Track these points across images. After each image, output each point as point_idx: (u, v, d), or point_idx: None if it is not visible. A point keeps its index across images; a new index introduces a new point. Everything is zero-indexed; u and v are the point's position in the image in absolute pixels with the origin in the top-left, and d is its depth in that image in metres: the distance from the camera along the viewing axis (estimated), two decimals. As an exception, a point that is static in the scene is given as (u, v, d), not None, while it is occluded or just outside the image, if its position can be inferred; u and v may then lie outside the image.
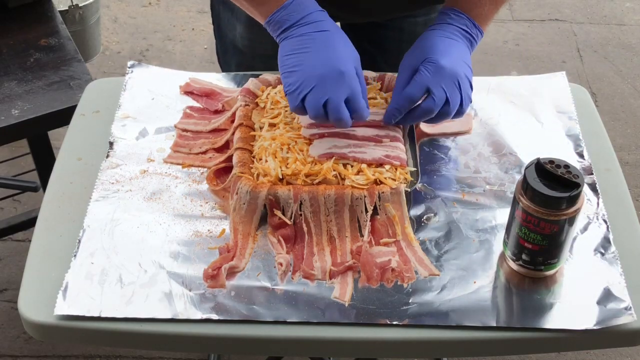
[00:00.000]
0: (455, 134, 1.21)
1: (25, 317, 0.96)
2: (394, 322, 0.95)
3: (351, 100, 1.04)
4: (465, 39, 1.13)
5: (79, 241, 1.04)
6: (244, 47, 1.41)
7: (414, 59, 1.10)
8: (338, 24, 1.46)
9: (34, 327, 0.97)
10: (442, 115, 1.09)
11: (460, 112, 1.11)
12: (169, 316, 0.95)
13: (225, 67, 1.50)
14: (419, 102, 1.08)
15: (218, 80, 1.31)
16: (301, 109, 1.05)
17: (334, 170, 1.07)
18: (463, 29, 1.13)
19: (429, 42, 1.11)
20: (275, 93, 1.20)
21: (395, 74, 1.23)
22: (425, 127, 1.21)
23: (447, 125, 1.21)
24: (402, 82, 1.10)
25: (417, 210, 1.10)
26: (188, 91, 1.29)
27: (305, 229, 1.05)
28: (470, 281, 1.00)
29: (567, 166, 0.95)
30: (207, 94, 1.27)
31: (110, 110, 1.25)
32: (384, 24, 1.39)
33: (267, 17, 1.10)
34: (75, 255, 1.02)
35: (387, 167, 1.08)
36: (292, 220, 1.05)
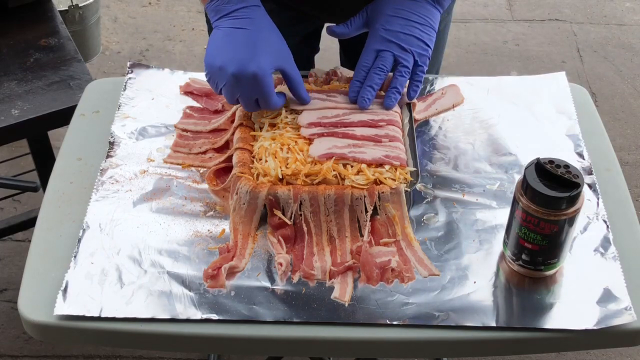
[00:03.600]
0: (452, 107, 1.22)
1: (25, 317, 0.96)
2: (394, 322, 0.95)
3: (260, 101, 1.10)
4: None
5: (79, 241, 1.04)
6: None
7: (372, 12, 1.17)
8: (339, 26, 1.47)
9: (34, 327, 0.97)
10: (402, 74, 1.14)
11: (422, 70, 1.16)
12: (169, 316, 0.95)
13: None
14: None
15: (218, 80, 1.31)
16: (219, 93, 1.12)
17: (334, 170, 1.07)
18: None
19: (377, 5, 1.17)
20: (275, 93, 1.20)
21: (390, 74, 1.23)
22: (418, 114, 1.23)
23: (440, 103, 1.21)
24: (352, 27, 1.20)
25: (417, 210, 1.10)
26: (188, 91, 1.29)
27: (305, 229, 1.05)
28: (470, 281, 1.00)
29: (567, 166, 0.95)
30: (207, 94, 1.28)
31: (110, 110, 1.25)
32: None
33: (205, 3, 1.14)
34: (75, 255, 1.02)
35: (387, 167, 1.08)
36: (292, 220, 1.05)
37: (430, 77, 1.32)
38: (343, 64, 1.53)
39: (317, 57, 1.52)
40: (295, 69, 1.12)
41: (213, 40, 1.11)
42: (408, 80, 1.16)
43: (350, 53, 1.49)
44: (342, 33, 1.20)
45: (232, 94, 1.09)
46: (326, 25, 1.23)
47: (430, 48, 1.16)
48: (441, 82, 1.31)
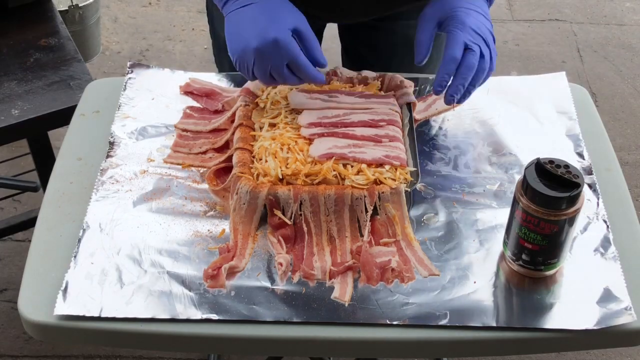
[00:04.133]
0: (452, 107, 1.21)
1: (25, 317, 0.96)
2: (394, 322, 0.95)
3: (291, 65, 1.06)
4: None
5: (79, 241, 1.04)
6: None
7: (437, 12, 1.11)
8: (336, 25, 1.47)
9: (34, 327, 0.97)
10: (480, 71, 1.09)
11: (491, 68, 1.11)
12: (169, 316, 0.95)
13: (220, 66, 1.50)
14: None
15: (218, 80, 1.31)
16: (256, 79, 1.10)
17: (334, 170, 1.07)
18: None
19: (450, 4, 1.11)
20: (276, 93, 1.20)
21: (395, 75, 1.23)
22: (418, 114, 1.23)
23: (440, 103, 1.21)
24: (427, 34, 1.11)
25: (417, 210, 1.10)
26: (188, 91, 1.29)
27: (305, 229, 1.05)
28: (470, 281, 1.00)
29: (567, 166, 0.95)
30: (207, 94, 1.28)
31: (110, 110, 1.25)
32: (376, 27, 1.39)
33: None
34: (75, 255, 1.02)
35: (387, 167, 1.08)
36: (292, 220, 1.05)
37: (421, 76, 1.32)
38: (344, 64, 1.53)
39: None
40: (311, 30, 1.09)
41: (227, 29, 1.10)
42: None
43: (351, 53, 1.49)
44: (425, 55, 1.13)
45: (264, 71, 1.07)
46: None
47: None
48: (441, 82, 1.31)
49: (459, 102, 1.12)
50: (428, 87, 1.30)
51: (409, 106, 1.20)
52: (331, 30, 1.51)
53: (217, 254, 1.03)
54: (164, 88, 1.30)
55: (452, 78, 1.09)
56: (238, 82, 1.31)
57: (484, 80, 1.11)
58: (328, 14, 1.33)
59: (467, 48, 1.07)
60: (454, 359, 1.71)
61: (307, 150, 1.09)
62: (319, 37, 1.48)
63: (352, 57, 1.49)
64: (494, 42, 1.11)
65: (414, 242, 1.05)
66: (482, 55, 1.08)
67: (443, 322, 0.95)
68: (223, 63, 1.47)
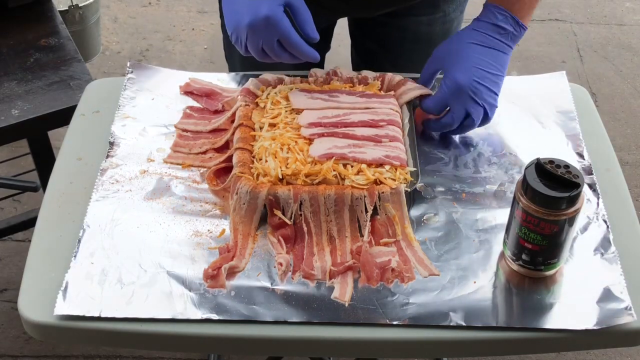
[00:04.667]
0: (419, 98, 1.21)
1: (25, 317, 0.96)
2: (394, 322, 0.95)
3: (283, 42, 1.07)
4: (503, 40, 1.16)
5: (79, 241, 1.04)
6: None
7: (439, 60, 1.17)
8: (345, 19, 1.47)
9: (34, 327, 0.97)
10: (466, 128, 1.16)
11: (485, 121, 1.16)
12: (169, 316, 0.95)
13: (229, 60, 1.51)
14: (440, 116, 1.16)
15: (218, 80, 1.31)
16: (250, 55, 1.10)
17: (334, 170, 1.07)
18: (502, 28, 1.16)
19: (457, 46, 1.15)
20: (275, 93, 1.20)
21: (395, 75, 1.23)
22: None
23: (406, 91, 1.21)
24: (425, 76, 1.20)
25: (417, 210, 1.10)
26: (188, 91, 1.29)
27: (305, 229, 1.05)
28: (470, 281, 1.00)
29: (567, 166, 0.95)
30: (207, 94, 1.28)
31: (110, 110, 1.25)
32: (387, 23, 1.39)
33: None
34: (75, 255, 1.02)
35: (387, 167, 1.08)
36: (292, 220, 1.05)
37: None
38: (353, 61, 1.53)
39: (329, 58, 1.52)
40: (304, 4, 1.10)
41: (224, 4, 1.11)
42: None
43: (361, 49, 1.49)
44: (434, 105, 1.18)
45: (257, 46, 1.08)
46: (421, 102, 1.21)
47: (498, 95, 1.16)
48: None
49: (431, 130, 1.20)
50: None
51: (409, 106, 1.20)
52: (337, 29, 1.50)
53: (217, 254, 1.03)
54: (164, 88, 1.30)
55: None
56: (238, 82, 1.31)
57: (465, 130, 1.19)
58: (345, 4, 1.33)
59: (449, 109, 1.15)
60: (454, 359, 1.71)
61: (307, 150, 1.09)
62: (330, 34, 1.48)
63: (362, 54, 1.49)
64: (496, 95, 1.15)
65: (414, 242, 1.05)
66: (470, 117, 1.15)
67: (443, 322, 0.95)
68: (233, 57, 1.48)
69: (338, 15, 1.41)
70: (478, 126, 1.17)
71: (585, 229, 1.07)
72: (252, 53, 1.10)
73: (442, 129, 1.18)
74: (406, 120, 1.17)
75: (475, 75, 1.12)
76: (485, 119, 1.16)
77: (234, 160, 1.11)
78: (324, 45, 1.49)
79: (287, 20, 1.06)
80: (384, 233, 1.06)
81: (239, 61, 1.46)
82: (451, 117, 1.15)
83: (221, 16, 1.48)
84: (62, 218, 1.08)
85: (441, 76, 1.18)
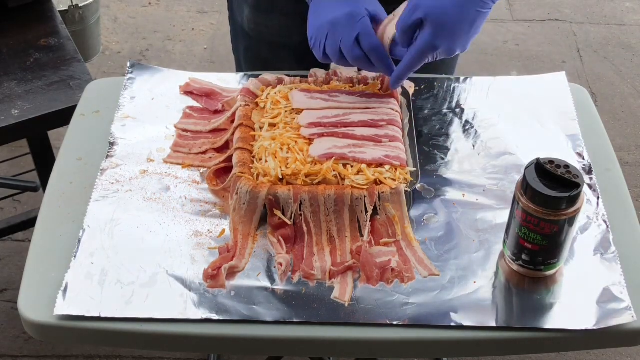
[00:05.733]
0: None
1: (25, 317, 0.96)
2: (394, 322, 0.95)
3: (361, 38, 1.07)
4: None
5: (79, 241, 1.04)
6: (250, 31, 1.42)
7: (420, 9, 1.05)
8: None
9: (34, 327, 0.97)
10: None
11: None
12: (168, 316, 0.95)
13: (235, 52, 1.51)
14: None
15: (218, 80, 1.31)
16: (327, 58, 1.12)
17: (334, 170, 1.07)
18: None
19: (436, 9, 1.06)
20: (275, 93, 1.20)
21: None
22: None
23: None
24: (406, 23, 1.06)
25: (417, 210, 1.10)
26: (188, 91, 1.29)
27: (305, 229, 1.05)
28: (470, 281, 1.00)
29: (567, 166, 0.95)
30: (207, 94, 1.28)
31: (110, 110, 1.25)
32: None
33: None
34: (75, 255, 1.02)
35: (387, 167, 1.08)
36: (292, 220, 1.05)
37: (421, 77, 1.32)
38: None
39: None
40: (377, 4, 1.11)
41: (310, 15, 1.12)
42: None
43: None
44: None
45: (335, 43, 1.08)
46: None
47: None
48: (440, 83, 1.31)
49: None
50: (437, 89, 1.30)
51: (409, 106, 1.20)
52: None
53: (217, 254, 1.03)
54: (164, 88, 1.30)
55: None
56: (238, 82, 1.31)
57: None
58: None
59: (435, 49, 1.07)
60: (454, 359, 1.71)
61: (307, 150, 1.09)
62: None
63: None
64: (463, 50, 1.11)
65: (414, 242, 1.05)
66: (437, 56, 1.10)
67: (443, 322, 0.95)
68: (239, 48, 1.48)
69: None
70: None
71: (585, 229, 1.07)
72: (329, 54, 1.10)
73: (402, 74, 1.11)
74: (406, 120, 1.17)
75: (455, 40, 1.07)
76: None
77: (234, 160, 1.11)
78: None
79: (369, 22, 1.07)
80: (384, 233, 1.06)
81: (243, 54, 1.46)
82: (435, 55, 1.08)
83: (230, 8, 1.48)
84: (62, 218, 1.08)
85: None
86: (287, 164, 1.07)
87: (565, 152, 1.18)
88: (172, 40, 2.88)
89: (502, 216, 1.06)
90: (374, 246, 1.04)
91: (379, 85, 1.22)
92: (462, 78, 1.33)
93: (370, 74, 1.24)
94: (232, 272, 1.01)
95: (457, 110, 1.26)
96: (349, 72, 1.25)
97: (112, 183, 1.12)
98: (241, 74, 1.33)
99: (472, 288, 0.99)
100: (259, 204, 1.05)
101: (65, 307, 0.96)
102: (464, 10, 1.04)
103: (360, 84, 1.23)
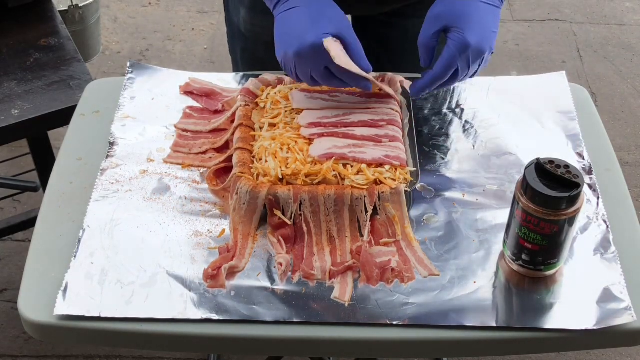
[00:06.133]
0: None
1: (25, 317, 0.96)
2: (394, 322, 0.95)
3: (330, 67, 1.07)
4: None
5: (79, 241, 1.04)
6: (246, 32, 1.42)
7: (442, 18, 1.09)
8: (349, 17, 1.47)
9: (34, 327, 0.97)
10: (450, 81, 1.11)
11: (475, 72, 1.13)
12: (169, 316, 0.95)
13: (232, 52, 1.52)
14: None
15: (218, 80, 1.31)
16: (301, 80, 1.11)
17: (334, 170, 1.07)
18: None
19: (461, 4, 1.09)
20: (275, 93, 1.20)
21: (396, 75, 1.23)
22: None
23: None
24: (428, 37, 1.10)
25: (417, 210, 1.10)
26: (188, 91, 1.29)
27: (305, 229, 1.05)
28: (470, 281, 1.00)
29: (567, 166, 0.95)
30: (207, 94, 1.28)
31: (110, 110, 1.25)
32: (388, 23, 1.39)
33: None
34: (75, 255, 1.02)
35: (387, 167, 1.08)
36: (292, 220, 1.05)
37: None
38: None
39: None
40: (355, 36, 1.09)
41: (275, 30, 1.11)
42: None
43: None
44: (426, 55, 1.13)
45: (306, 73, 1.08)
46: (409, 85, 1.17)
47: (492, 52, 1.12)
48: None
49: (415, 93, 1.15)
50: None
51: (409, 106, 1.20)
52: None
53: (217, 254, 1.03)
54: (164, 88, 1.30)
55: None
56: (238, 82, 1.31)
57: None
58: (345, 3, 1.33)
59: (455, 70, 1.09)
60: (454, 359, 1.71)
61: (307, 150, 1.09)
62: None
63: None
64: (491, 51, 1.11)
65: (414, 242, 1.05)
66: (467, 72, 1.10)
67: (443, 322, 0.95)
68: (235, 48, 1.49)
69: (347, 10, 1.41)
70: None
71: (585, 229, 1.07)
72: (302, 79, 1.10)
73: (442, 87, 1.13)
74: (406, 120, 1.17)
75: (484, 37, 1.09)
76: (476, 71, 1.12)
77: (234, 160, 1.11)
78: None
79: (334, 46, 1.06)
80: (384, 233, 1.06)
81: (240, 55, 1.46)
82: (456, 76, 1.09)
83: (226, 9, 1.48)
84: (62, 218, 1.08)
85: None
86: (287, 164, 1.07)
87: (565, 152, 1.18)
88: (172, 40, 2.88)
89: (502, 216, 1.06)
90: (374, 246, 1.04)
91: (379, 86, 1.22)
92: (462, 78, 1.33)
93: (370, 75, 1.24)
94: (232, 272, 1.01)
95: (457, 110, 1.26)
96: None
97: (112, 183, 1.12)
98: (241, 74, 1.33)
99: (472, 288, 0.99)
100: (259, 204, 1.05)
101: (65, 307, 0.96)
102: (480, 7, 1.09)
103: (360, 84, 1.23)
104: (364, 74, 1.09)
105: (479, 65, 1.11)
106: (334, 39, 1.07)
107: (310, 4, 1.09)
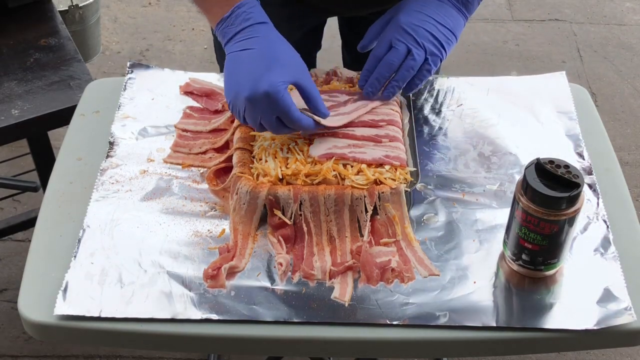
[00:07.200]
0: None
1: (25, 317, 0.96)
2: (394, 322, 0.95)
3: (282, 118, 1.04)
4: (454, 0, 1.14)
5: (79, 241, 1.04)
6: None
7: (392, 10, 1.15)
8: (335, 19, 1.47)
9: (34, 327, 0.97)
10: (406, 69, 1.11)
11: (427, 72, 1.13)
12: (169, 316, 0.95)
13: (221, 62, 1.50)
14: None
15: (218, 80, 1.31)
16: (246, 122, 1.08)
17: (334, 170, 1.07)
18: None
19: (403, 3, 1.15)
20: (275, 93, 1.20)
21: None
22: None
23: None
24: (377, 26, 1.16)
25: (417, 210, 1.10)
26: (188, 91, 1.29)
27: (305, 229, 1.05)
28: (470, 281, 1.00)
29: (567, 166, 0.95)
30: (207, 94, 1.28)
31: (110, 110, 1.25)
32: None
33: (214, 29, 1.11)
34: (75, 255, 1.02)
35: (387, 167, 1.08)
36: (292, 220, 1.05)
37: (431, 77, 1.32)
38: (346, 63, 1.53)
39: (320, 56, 1.52)
40: (311, 81, 1.07)
41: (226, 69, 1.08)
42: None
43: (351, 48, 1.49)
44: (370, 40, 1.17)
45: (254, 119, 1.05)
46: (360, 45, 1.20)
47: (445, 51, 1.13)
48: (440, 83, 1.31)
49: (386, 97, 1.15)
50: (428, 87, 1.30)
51: (409, 106, 1.20)
52: (331, 30, 1.51)
53: (217, 254, 1.03)
54: (164, 88, 1.30)
55: (373, 76, 1.13)
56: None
57: (420, 80, 1.14)
58: (337, 5, 1.33)
59: (391, 46, 1.11)
60: (454, 359, 1.71)
61: (307, 150, 1.09)
62: (320, 32, 1.48)
63: (352, 53, 1.49)
64: (444, 48, 1.13)
65: (414, 242, 1.05)
66: (411, 54, 1.10)
67: (443, 322, 0.95)
68: (223, 58, 1.47)
69: (328, 14, 1.41)
70: (420, 80, 1.13)
71: (585, 229, 1.07)
72: (249, 124, 1.07)
73: (386, 71, 1.12)
74: (406, 120, 1.17)
75: (418, 18, 1.11)
76: (428, 68, 1.12)
77: (234, 160, 1.11)
78: (314, 45, 1.49)
79: (288, 97, 1.02)
80: (384, 233, 1.06)
81: None
82: (395, 51, 1.10)
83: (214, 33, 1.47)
84: (62, 218, 1.08)
85: None
86: (287, 164, 1.07)
87: (565, 152, 1.18)
88: (172, 40, 2.88)
89: (502, 216, 1.06)
90: (374, 246, 1.04)
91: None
92: (462, 78, 1.33)
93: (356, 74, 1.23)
94: (232, 272, 1.01)
95: (457, 110, 1.26)
96: (349, 72, 1.25)
97: (112, 183, 1.12)
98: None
99: (472, 288, 0.99)
100: (259, 204, 1.05)
101: (65, 307, 0.96)
102: (428, 2, 1.14)
103: (360, 84, 1.23)
104: (322, 120, 1.08)
105: (425, 52, 1.11)
106: (290, 86, 1.05)
107: (263, 47, 1.05)
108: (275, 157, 1.08)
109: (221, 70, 1.48)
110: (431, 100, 1.28)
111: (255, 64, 1.04)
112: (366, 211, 1.05)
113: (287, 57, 1.06)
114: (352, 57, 1.49)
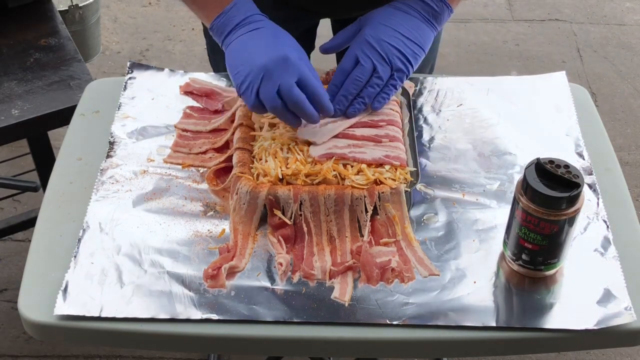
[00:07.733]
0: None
1: (25, 317, 0.96)
2: (394, 322, 0.95)
3: (303, 83, 1.04)
4: (423, 12, 1.13)
5: (79, 241, 1.04)
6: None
7: (357, 23, 1.15)
8: (328, 20, 1.47)
9: (34, 327, 0.97)
10: (372, 86, 1.11)
11: (394, 85, 1.12)
12: (169, 316, 0.95)
13: (215, 66, 1.50)
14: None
15: (218, 80, 1.31)
16: (259, 105, 1.06)
17: (334, 170, 1.07)
18: (424, 2, 1.13)
19: (377, 11, 1.14)
20: (275, 93, 1.20)
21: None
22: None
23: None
24: (345, 34, 1.16)
25: (417, 210, 1.10)
26: (188, 91, 1.29)
27: (305, 229, 1.05)
28: (470, 281, 1.00)
29: (567, 166, 0.95)
30: (207, 94, 1.28)
31: (110, 110, 1.25)
32: None
33: (210, 24, 1.11)
34: (75, 255, 1.02)
35: (387, 167, 1.08)
36: (292, 220, 1.05)
37: (421, 76, 1.32)
38: (338, 61, 1.53)
39: (314, 58, 1.52)
40: (318, 78, 1.07)
41: (230, 53, 1.07)
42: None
43: (344, 51, 1.48)
44: (334, 46, 1.17)
45: (271, 90, 1.02)
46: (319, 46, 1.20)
47: (412, 66, 1.12)
48: (440, 83, 1.31)
49: (351, 114, 1.12)
50: (419, 87, 1.30)
51: (409, 106, 1.20)
52: (325, 29, 1.50)
53: (217, 254, 1.03)
54: (164, 88, 1.30)
55: (339, 87, 1.12)
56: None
57: (387, 95, 1.13)
58: (328, 9, 1.33)
59: (357, 61, 1.11)
60: (454, 359, 1.71)
61: (307, 150, 1.09)
62: (313, 34, 1.48)
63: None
64: (411, 63, 1.12)
65: (414, 242, 1.05)
66: (376, 72, 1.10)
67: (443, 322, 0.95)
68: (218, 63, 1.47)
69: (320, 16, 1.42)
70: (388, 95, 1.12)
71: (585, 229, 1.07)
72: (263, 99, 1.04)
73: (353, 87, 1.11)
74: (406, 120, 1.17)
75: (385, 33, 1.10)
76: (393, 84, 1.12)
77: (234, 160, 1.11)
78: (308, 46, 1.49)
79: (309, 62, 1.04)
80: (384, 233, 1.06)
81: (224, 68, 1.45)
82: (359, 69, 1.10)
83: (206, 34, 1.47)
84: (62, 218, 1.08)
85: None
86: (287, 164, 1.07)
87: (565, 152, 1.18)
88: (172, 40, 2.88)
89: (502, 216, 1.06)
90: (374, 246, 1.04)
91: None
92: (462, 78, 1.33)
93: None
94: (232, 272, 1.01)
95: (457, 110, 1.26)
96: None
97: (112, 183, 1.12)
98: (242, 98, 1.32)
99: (472, 288, 0.99)
100: (259, 204, 1.05)
101: (65, 307, 0.96)
102: (393, 13, 1.13)
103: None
104: (315, 137, 1.09)
105: (391, 68, 1.10)
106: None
107: (273, 27, 1.09)
108: (275, 157, 1.08)
109: (215, 70, 1.49)
110: (431, 100, 1.28)
111: (268, 38, 1.05)
112: (366, 211, 1.05)
113: (295, 42, 1.09)
114: None
